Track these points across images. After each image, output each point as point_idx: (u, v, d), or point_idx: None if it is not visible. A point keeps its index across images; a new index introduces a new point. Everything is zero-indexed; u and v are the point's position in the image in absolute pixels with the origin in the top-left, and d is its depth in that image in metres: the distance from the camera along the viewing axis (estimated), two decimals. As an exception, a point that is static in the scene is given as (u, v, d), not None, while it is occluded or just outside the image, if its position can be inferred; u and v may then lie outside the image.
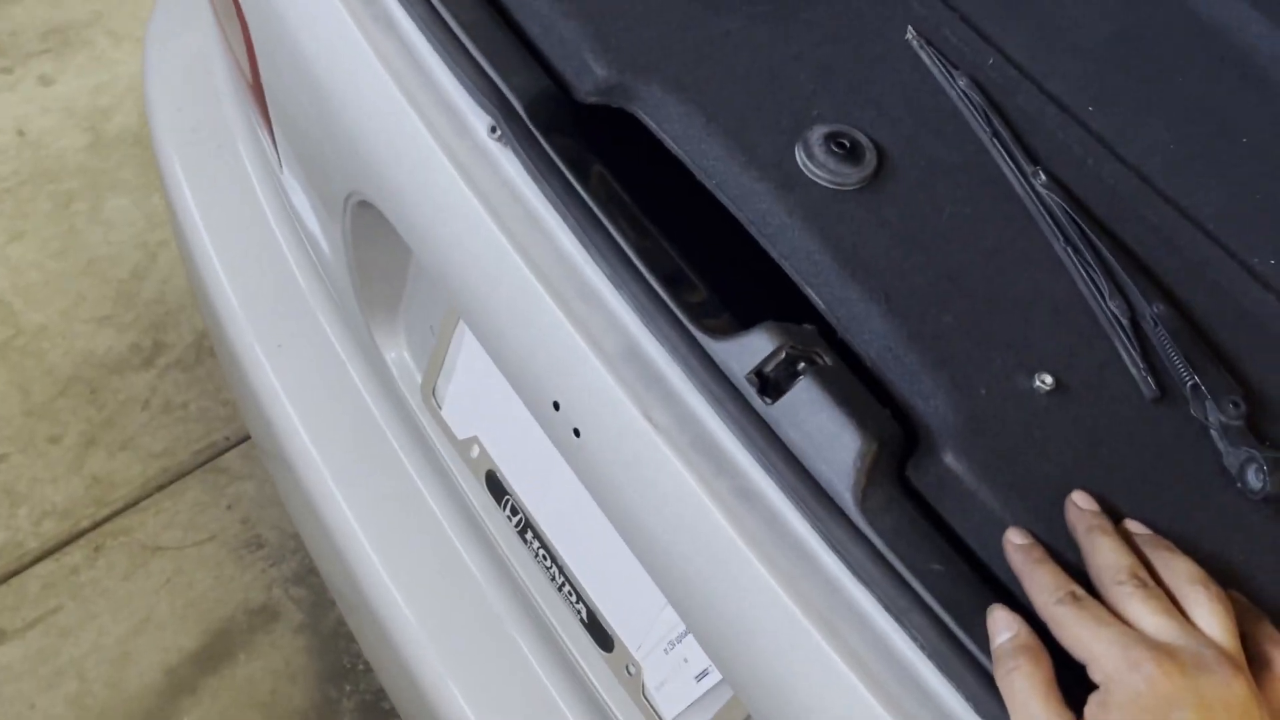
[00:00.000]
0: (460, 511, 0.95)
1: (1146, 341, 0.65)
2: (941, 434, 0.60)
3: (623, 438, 0.63)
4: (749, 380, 0.60)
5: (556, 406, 0.66)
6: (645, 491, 0.62)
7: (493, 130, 0.70)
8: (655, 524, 0.62)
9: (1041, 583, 0.55)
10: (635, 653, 0.78)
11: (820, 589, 0.57)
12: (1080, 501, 0.60)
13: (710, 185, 0.69)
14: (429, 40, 0.73)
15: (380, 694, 1.56)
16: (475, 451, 0.88)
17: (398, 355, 0.94)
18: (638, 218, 0.69)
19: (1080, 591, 0.55)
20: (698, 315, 0.63)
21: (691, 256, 0.69)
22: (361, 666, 1.58)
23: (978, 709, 0.54)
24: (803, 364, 0.60)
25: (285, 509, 1.69)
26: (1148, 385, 0.64)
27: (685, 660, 0.72)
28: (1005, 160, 0.72)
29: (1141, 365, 0.64)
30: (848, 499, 0.57)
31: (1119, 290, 0.67)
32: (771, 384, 0.60)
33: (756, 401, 0.60)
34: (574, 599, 0.82)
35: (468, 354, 0.85)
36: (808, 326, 0.63)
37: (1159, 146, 0.76)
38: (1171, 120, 0.77)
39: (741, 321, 0.63)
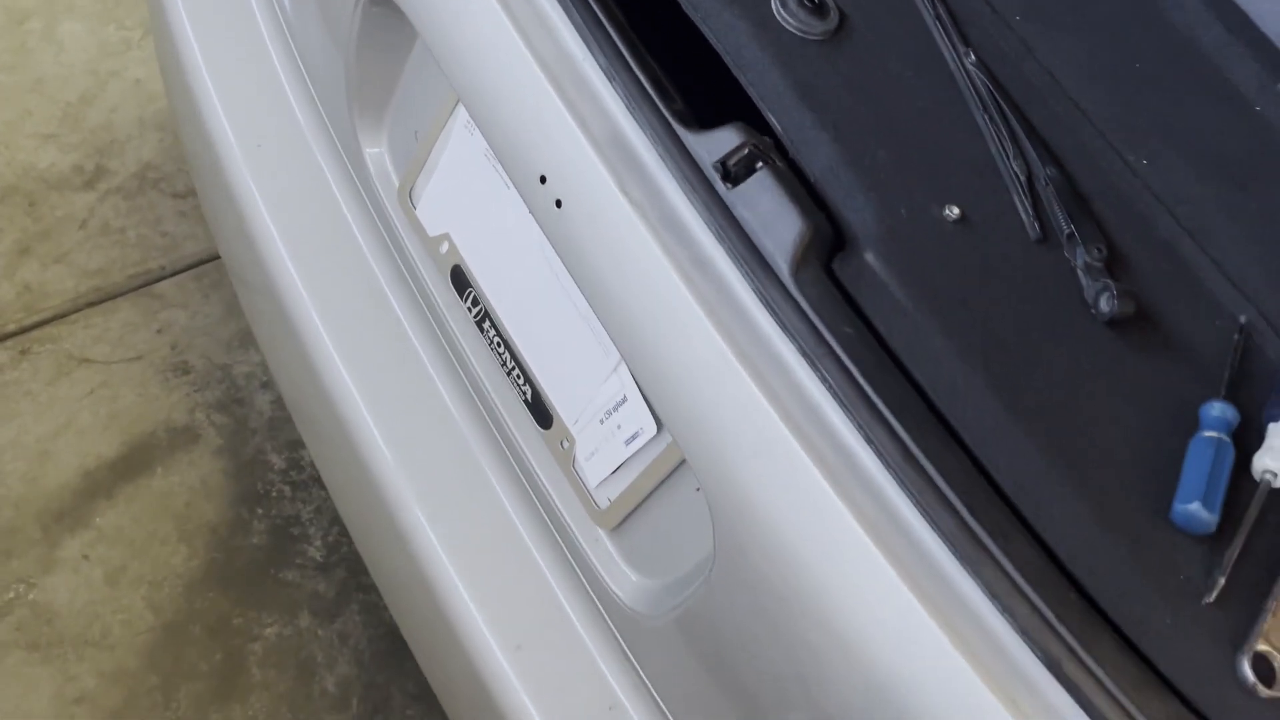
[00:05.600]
0: (420, 310, 1.04)
1: (1037, 197, 0.79)
2: (865, 239, 0.73)
3: (600, 210, 0.73)
4: (715, 167, 0.71)
5: (543, 180, 0.76)
6: (616, 257, 0.73)
7: (514, -64, 0.79)
8: (621, 286, 0.73)
9: None
10: (572, 427, 0.89)
11: (753, 341, 0.69)
12: None
13: (695, 18, 0.80)
14: None
15: (291, 520, 1.64)
16: (444, 248, 0.97)
17: (378, 155, 1.03)
18: (632, 30, 0.79)
19: None
20: (677, 113, 0.74)
21: (673, 73, 0.79)
22: (275, 493, 1.65)
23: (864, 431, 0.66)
24: (760, 162, 0.72)
25: (214, 338, 1.75)
26: (1033, 229, 0.77)
27: (619, 427, 0.84)
28: (944, 40, 0.85)
29: (1030, 213, 0.77)
30: (784, 269, 0.69)
31: (1021, 154, 0.80)
32: (733, 173, 0.72)
33: (719, 185, 0.71)
34: (521, 380, 0.93)
35: (451, 154, 0.94)
36: (767, 138, 0.75)
37: (1072, 59, 0.89)
38: (1085, 39, 0.90)
39: (712, 127, 0.74)
